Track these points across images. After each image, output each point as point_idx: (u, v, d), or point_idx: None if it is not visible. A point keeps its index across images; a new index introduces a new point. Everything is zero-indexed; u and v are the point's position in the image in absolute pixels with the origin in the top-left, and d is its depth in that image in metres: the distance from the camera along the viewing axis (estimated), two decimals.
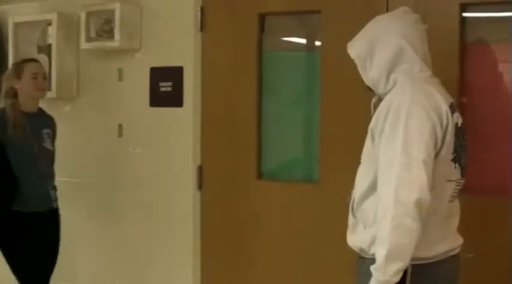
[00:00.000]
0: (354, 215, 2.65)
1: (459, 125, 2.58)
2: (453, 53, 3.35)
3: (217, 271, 4.08)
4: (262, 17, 3.96)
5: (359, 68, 2.68)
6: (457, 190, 2.61)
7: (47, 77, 4.24)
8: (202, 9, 4.10)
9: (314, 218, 3.72)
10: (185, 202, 4.07)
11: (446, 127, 2.49)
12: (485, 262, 3.20)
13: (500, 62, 3.39)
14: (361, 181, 2.63)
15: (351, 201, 2.67)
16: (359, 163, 2.67)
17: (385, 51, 2.60)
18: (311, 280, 3.72)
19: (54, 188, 4.15)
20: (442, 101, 2.51)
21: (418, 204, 2.37)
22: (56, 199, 4.15)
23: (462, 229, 2.67)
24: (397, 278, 2.41)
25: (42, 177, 4.07)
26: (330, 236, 3.55)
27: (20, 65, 4.16)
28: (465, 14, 3.39)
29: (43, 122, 4.18)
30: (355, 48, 2.68)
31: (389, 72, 2.60)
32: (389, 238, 2.38)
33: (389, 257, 2.38)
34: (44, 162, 4.09)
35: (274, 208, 3.88)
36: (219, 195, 4.06)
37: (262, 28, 3.97)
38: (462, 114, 2.65)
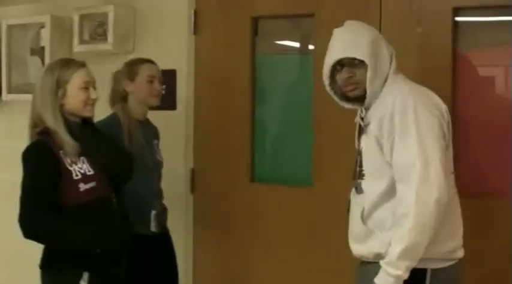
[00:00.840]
0: (365, 224, 2.66)
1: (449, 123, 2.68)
2: (446, 57, 3.36)
3: (210, 273, 4.08)
4: (255, 20, 3.97)
5: (370, 71, 2.62)
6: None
7: (162, 81, 3.69)
8: (195, 12, 4.10)
9: (307, 221, 3.72)
10: (178, 205, 4.07)
11: (448, 122, 2.58)
12: (485, 264, 3.21)
13: (493, 65, 3.41)
14: (371, 190, 2.64)
15: (361, 210, 2.67)
16: (362, 175, 2.68)
17: (383, 56, 2.65)
18: (305, 282, 3.73)
19: (165, 207, 3.70)
20: (437, 97, 2.60)
21: (438, 202, 2.43)
22: (166, 219, 3.67)
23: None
24: (407, 275, 2.47)
25: (155, 194, 3.63)
26: (323, 238, 3.56)
27: (134, 65, 3.63)
28: (458, 18, 3.40)
29: (152, 132, 3.74)
30: (357, 49, 2.65)
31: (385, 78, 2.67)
32: (408, 236, 2.44)
33: (405, 254, 2.45)
34: (157, 177, 3.67)
35: (267, 211, 3.88)
36: (212, 198, 4.06)
37: (255, 31, 3.98)
38: (454, 117, 2.68)
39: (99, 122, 3.41)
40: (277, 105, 4.01)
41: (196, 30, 4.11)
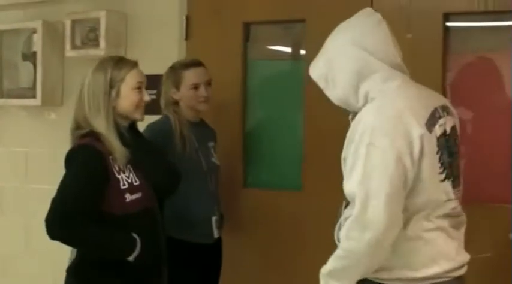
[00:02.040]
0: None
1: (448, 132, 2.43)
2: (436, 62, 3.37)
3: None
4: (247, 26, 3.97)
5: (324, 90, 2.51)
6: (456, 207, 2.46)
7: (211, 83, 3.54)
8: (187, 18, 4.11)
9: (298, 225, 3.73)
10: None
11: (421, 152, 2.30)
12: (485, 269, 3.19)
13: (483, 71, 3.42)
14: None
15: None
16: None
17: (344, 67, 2.42)
18: None
19: (221, 213, 3.55)
20: (413, 122, 2.30)
21: (369, 243, 2.27)
22: (221, 227, 3.53)
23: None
24: None
25: (211, 200, 3.48)
26: (315, 243, 3.57)
27: (178, 71, 3.49)
28: (449, 24, 3.42)
29: (208, 134, 3.62)
30: (315, 69, 2.51)
31: (356, 88, 2.41)
32: (336, 260, 2.37)
33: (331, 274, 2.38)
34: (213, 181, 3.49)
35: (259, 216, 3.88)
36: None
37: (247, 37, 3.98)
38: None
39: (152, 124, 3.36)
40: (268, 110, 4.02)
41: (188, 36, 4.11)
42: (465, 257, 2.50)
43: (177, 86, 3.47)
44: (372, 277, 2.41)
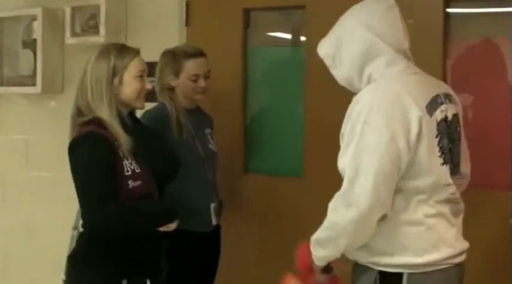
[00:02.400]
0: None
1: (449, 118, 2.45)
2: (437, 49, 3.37)
3: None
4: (247, 12, 3.97)
5: (329, 68, 2.55)
6: (455, 193, 2.48)
7: (210, 74, 3.51)
8: (187, 4, 4.10)
9: (299, 212, 3.73)
10: None
11: (418, 134, 2.31)
12: (485, 256, 3.21)
13: (484, 57, 3.41)
14: None
15: None
16: None
17: (352, 47, 2.45)
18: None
19: (220, 200, 3.54)
20: (411, 104, 2.32)
21: (352, 222, 2.30)
22: (220, 214, 3.52)
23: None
24: (321, 263, 2.50)
25: (209, 186, 3.47)
26: (314, 229, 3.56)
27: (180, 59, 3.43)
28: (449, 10, 3.41)
29: (204, 121, 3.60)
30: (323, 47, 2.55)
31: (361, 69, 2.45)
32: (321, 231, 2.43)
33: (317, 242, 2.45)
34: (211, 168, 3.48)
35: (261, 202, 3.89)
36: None
37: (247, 23, 3.98)
38: None
39: (147, 112, 3.33)
40: (269, 97, 4.02)
41: (188, 22, 4.10)
42: (464, 244, 2.51)
43: (177, 74, 3.43)
44: (371, 263, 2.44)
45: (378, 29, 2.44)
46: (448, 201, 2.44)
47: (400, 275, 2.39)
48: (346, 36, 2.48)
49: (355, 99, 2.43)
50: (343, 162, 2.37)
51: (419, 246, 2.38)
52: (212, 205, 3.45)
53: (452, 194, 2.45)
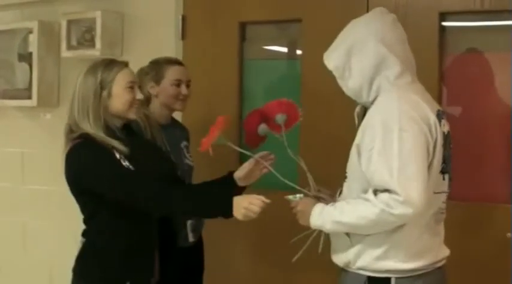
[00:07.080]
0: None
1: (445, 133, 2.51)
2: (432, 62, 3.37)
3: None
4: (243, 26, 3.98)
5: (338, 79, 2.57)
6: (445, 202, 2.56)
7: (190, 85, 3.46)
8: (183, 18, 4.11)
9: (294, 224, 3.72)
10: None
11: (436, 138, 2.41)
12: (484, 268, 3.20)
13: (480, 71, 3.42)
14: (347, 196, 2.56)
15: None
16: (345, 177, 2.62)
17: (364, 58, 2.48)
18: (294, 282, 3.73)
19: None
20: (429, 111, 2.42)
21: (405, 219, 2.36)
22: (198, 230, 3.45)
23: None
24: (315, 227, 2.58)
25: None
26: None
27: (161, 66, 3.40)
28: (444, 23, 3.42)
29: (179, 134, 3.53)
30: (332, 59, 2.57)
31: (372, 80, 2.49)
32: (350, 217, 2.43)
33: (343, 225, 2.46)
34: (187, 182, 3.38)
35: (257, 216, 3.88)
36: None
37: (243, 37, 3.99)
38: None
39: None
40: None
41: (184, 36, 4.11)
42: (446, 251, 2.61)
43: (158, 81, 3.37)
44: (359, 269, 2.51)
45: (389, 41, 2.50)
46: (437, 211, 2.52)
47: (388, 280, 2.46)
48: (357, 46, 2.51)
49: (373, 108, 2.46)
50: (373, 170, 2.37)
51: (407, 253, 2.45)
52: (188, 222, 3.40)
53: (443, 202, 2.54)
